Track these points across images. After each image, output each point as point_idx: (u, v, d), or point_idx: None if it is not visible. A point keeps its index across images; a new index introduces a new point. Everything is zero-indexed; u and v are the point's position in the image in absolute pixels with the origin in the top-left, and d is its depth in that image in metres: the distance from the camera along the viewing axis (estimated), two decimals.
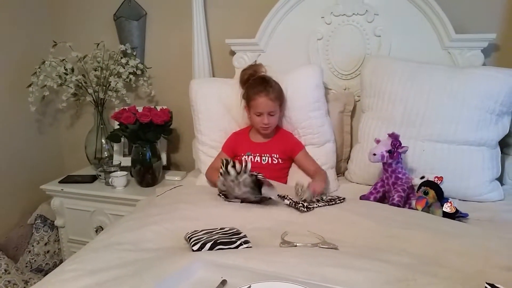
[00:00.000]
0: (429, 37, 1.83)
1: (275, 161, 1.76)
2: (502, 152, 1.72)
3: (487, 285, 0.78)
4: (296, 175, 1.76)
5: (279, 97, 1.73)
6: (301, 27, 1.98)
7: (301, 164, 1.77)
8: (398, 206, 1.47)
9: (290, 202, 1.41)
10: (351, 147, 1.94)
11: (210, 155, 1.89)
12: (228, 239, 1.16)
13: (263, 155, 1.76)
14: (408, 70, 1.71)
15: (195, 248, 1.13)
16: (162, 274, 1.00)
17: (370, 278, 0.96)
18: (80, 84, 2.29)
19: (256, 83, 1.73)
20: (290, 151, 1.77)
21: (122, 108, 2.12)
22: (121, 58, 2.25)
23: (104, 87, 2.29)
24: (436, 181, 1.48)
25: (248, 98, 1.75)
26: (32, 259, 2.26)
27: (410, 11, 1.83)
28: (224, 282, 0.96)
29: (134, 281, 1.00)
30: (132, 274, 1.04)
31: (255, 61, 2.03)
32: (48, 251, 2.33)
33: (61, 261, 2.30)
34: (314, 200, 1.47)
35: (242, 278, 0.95)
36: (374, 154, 1.52)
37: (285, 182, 1.78)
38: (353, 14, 1.90)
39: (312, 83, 1.80)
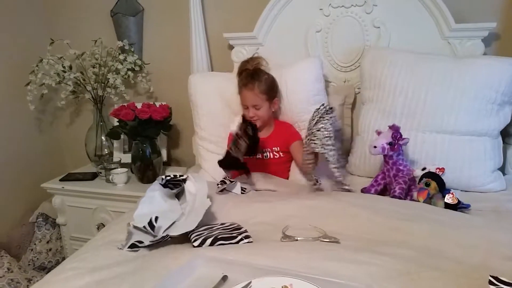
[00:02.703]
0: (428, 27, 1.81)
1: (276, 155, 1.75)
2: (503, 142, 1.71)
3: (491, 278, 0.77)
4: (296, 170, 1.75)
5: (267, 91, 1.71)
6: (299, 20, 1.97)
7: (295, 151, 1.74)
8: (400, 198, 1.46)
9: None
10: (352, 139, 1.93)
11: (210, 150, 1.88)
12: (228, 234, 1.16)
13: (264, 150, 1.75)
14: (408, 61, 1.70)
15: (195, 244, 1.13)
16: (163, 271, 1.00)
17: (372, 272, 0.95)
18: (79, 82, 2.28)
19: (245, 76, 1.73)
20: (288, 140, 1.76)
21: (121, 104, 2.11)
22: (119, 54, 2.24)
23: (102, 84, 2.28)
24: (437, 172, 1.48)
25: (238, 91, 1.75)
26: (35, 257, 2.27)
27: (409, 1, 1.81)
28: (225, 277, 0.96)
29: (135, 278, 1.00)
30: (133, 272, 1.04)
31: (255, 53, 2.01)
32: (50, 249, 2.33)
33: (63, 259, 2.30)
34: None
35: (243, 273, 0.94)
36: (375, 147, 1.51)
37: (287, 177, 1.77)
38: (352, 5, 1.88)
39: (312, 76, 1.79)
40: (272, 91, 1.74)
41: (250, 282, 0.90)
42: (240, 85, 1.73)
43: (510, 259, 1.03)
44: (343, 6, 1.90)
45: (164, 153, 2.31)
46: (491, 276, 0.78)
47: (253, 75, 1.71)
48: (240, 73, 1.79)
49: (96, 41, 2.28)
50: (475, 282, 0.88)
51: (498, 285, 0.75)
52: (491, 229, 1.19)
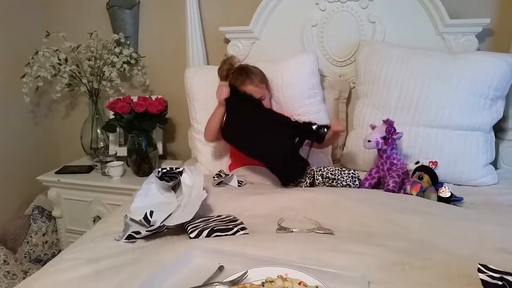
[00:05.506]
0: (423, 22, 1.82)
1: None
2: (496, 136, 1.73)
3: (479, 266, 0.79)
4: None
5: (263, 80, 1.75)
6: (295, 14, 1.97)
7: None
8: (393, 191, 1.48)
9: None
10: (347, 133, 1.95)
11: (206, 143, 1.89)
12: (225, 226, 1.17)
13: None
14: (403, 56, 1.71)
15: (192, 235, 1.14)
16: (160, 261, 1.01)
17: (365, 262, 0.97)
18: (74, 74, 2.28)
19: (238, 75, 1.73)
20: None
21: (117, 97, 2.11)
22: (115, 47, 2.24)
23: (98, 77, 2.28)
24: (430, 166, 1.50)
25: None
26: (31, 249, 2.27)
27: None
28: (221, 268, 0.97)
29: (132, 269, 1.01)
30: (130, 262, 1.05)
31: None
32: (46, 242, 2.34)
33: (59, 251, 2.31)
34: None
35: (239, 264, 0.96)
36: (369, 141, 1.52)
37: None
38: (348, 0, 1.89)
39: (307, 70, 1.80)
40: (265, 78, 1.78)
41: (246, 272, 0.91)
42: (237, 85, 1.70)
43: (501, 251, 1.05)
44: (339, 0, 1.90)
45: (160, 146, 2.32)
46: (480, 264, 0.80)
47: (245, 70, 1.73)
48: (226, 76, 1.78)
49: (91, 34, 2.27)
50: (465, 271, 0.90)
51: (487, 273, 0.77)
52: (483, 222, 1.21)
